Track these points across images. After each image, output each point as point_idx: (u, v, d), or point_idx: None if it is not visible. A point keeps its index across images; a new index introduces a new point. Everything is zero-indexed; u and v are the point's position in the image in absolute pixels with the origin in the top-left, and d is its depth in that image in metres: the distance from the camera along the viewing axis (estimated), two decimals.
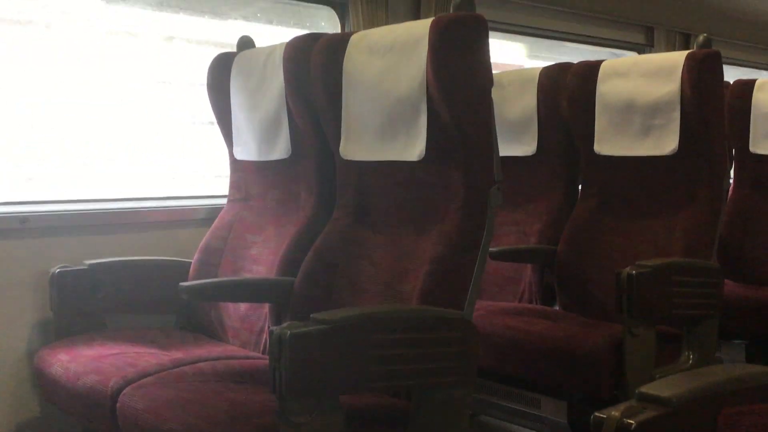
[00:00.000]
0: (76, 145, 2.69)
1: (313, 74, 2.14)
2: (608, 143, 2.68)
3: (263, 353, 2.17)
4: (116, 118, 2.75)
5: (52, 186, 2.65)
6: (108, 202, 2.61)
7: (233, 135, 2.49)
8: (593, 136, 2.71)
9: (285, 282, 2.13)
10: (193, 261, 2.45)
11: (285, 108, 2.29)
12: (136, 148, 2.81)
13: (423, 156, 1.90)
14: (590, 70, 2.74)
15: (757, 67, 5.09)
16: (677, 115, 2.51)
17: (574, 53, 4.19)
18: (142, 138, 2.81)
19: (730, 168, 2.92)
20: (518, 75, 3.05)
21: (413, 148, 1.92)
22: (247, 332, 2.27)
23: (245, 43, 2.56)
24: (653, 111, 2.56)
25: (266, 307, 2.21)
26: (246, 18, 3.08)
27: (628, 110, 2.62)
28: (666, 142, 2.53)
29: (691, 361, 2.25)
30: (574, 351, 2.22)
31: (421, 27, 1.91)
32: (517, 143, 2.96)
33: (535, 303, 2.82)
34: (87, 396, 1.85)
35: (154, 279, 2.42)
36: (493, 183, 1.85)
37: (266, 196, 2.43)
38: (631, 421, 1.04)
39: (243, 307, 2.30)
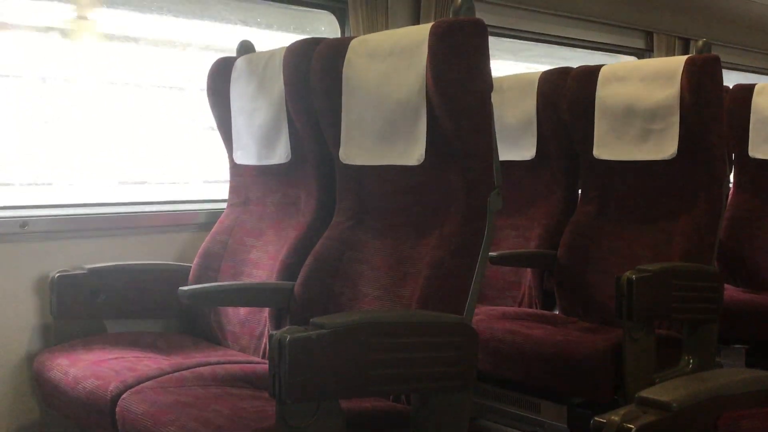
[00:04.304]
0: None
1: (313, 79, 2.14)
2: (608, 148, 2.68)
3: (263, 358, 2.16)
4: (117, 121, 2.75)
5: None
6: (108, 207, 2.61)
7: (233, 139, 2.49)
8: (593, 141, 2.71)
9: (285, 286, 2.13)
10: (192, 265, 2.45)
11: (285, 112, 2.29)
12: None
13: (422, 160, 1.90)
14: (590, 74, 2.74)
15: (756, 72, 5.09)
16: (677, 119, 2.51)
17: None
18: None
19: (730, 172, 2.92)
20: (518, 79, 3.05)
21: (413, 152, 1.92)
22: (247, 337, 2.27)
23: (245, 47, 2.56)
24: (653, 115, 2.56)
25: (266, 312, 2.21)
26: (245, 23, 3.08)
27: (628, 115, 2.62)
28: (665, 147, 2.53)
29: (691, 366, 2.25)
30: (574, 355, 2.22)
31: (421, 32, 1.91)
32: (516, 148, 2.96)
33: (535, 307, 2.82)
34: (86, 400, 1.85)
35: (154, 283, 2.42)
36: (493, 187, 1.85)
37: (266, 201, 2.43)
38: (631, 426, 1.04)
39: (243, 311, 2.30)
